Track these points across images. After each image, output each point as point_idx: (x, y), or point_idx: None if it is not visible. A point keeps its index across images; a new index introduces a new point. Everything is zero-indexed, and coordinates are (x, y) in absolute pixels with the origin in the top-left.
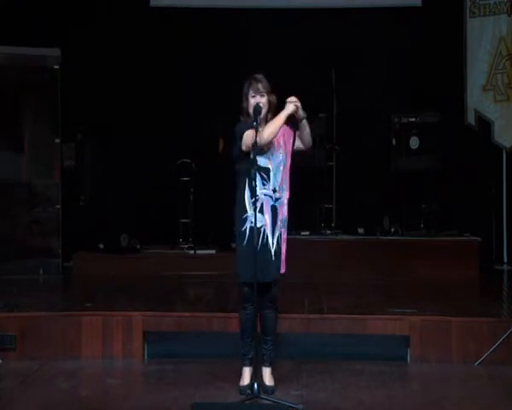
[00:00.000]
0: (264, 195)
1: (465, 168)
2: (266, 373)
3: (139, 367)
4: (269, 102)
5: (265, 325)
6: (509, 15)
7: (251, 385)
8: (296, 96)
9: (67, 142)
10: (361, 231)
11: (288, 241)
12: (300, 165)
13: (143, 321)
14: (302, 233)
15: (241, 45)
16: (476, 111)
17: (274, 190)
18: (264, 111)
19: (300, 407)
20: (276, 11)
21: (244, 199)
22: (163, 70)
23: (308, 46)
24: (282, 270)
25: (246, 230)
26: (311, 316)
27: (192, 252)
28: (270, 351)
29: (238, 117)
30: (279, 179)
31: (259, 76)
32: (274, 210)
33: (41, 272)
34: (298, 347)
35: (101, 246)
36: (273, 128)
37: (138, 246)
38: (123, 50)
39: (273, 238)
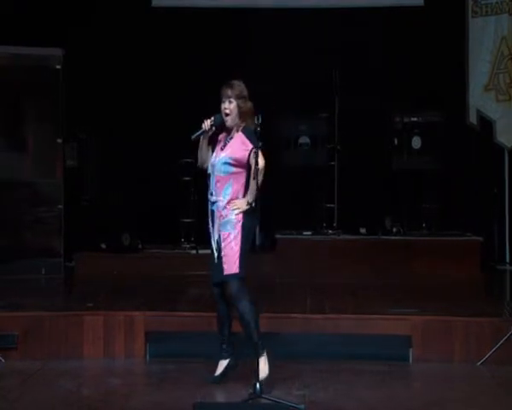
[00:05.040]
0: (208, 200)
1: (467, 168)
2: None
3: (141, 367)
4: (239, 107)
5: (243, 325)
6: (511, 15)
7: (253, 385)
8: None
9: (70, 142)
10: (363, 231)
11: (290, 241)
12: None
13: (145, 321)
14: (304, 233)
15: (243, 45)
16: (478, 111)
17: (211, 194)
18: (229, 118)
19: (302, 406)
20: (279, 11)
21: None
22: (165, 70)
23: (310, 46)
24: (232, 270)
25: None
26: (313, 316)
27: (194, 252)
28: (255, 344)
29: None
30: (214, 183)
31: (234, 81)
32: (212, 213)
33: (43, 271)
34: (300, 347)
35: (103, 246)
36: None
37: (140, 246)
38: (125, 50)
39: (214, 241)
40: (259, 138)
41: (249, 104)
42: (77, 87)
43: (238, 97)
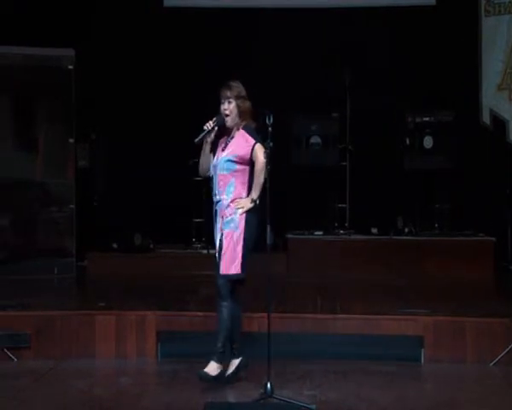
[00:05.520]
0: (212, 201)
1: (480, 168)
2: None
3: (152, 367)
4: (238, 107)
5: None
6: None
7: (264, 385)
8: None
9: (81, 142)
10: (374, 231)
11: (302, 241)
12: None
13: (157, 321)
14: (315, 233)
15: (254, 45)
16: (491, 110)
17: (215, 195)
18: (229, 118)
19: (313, 407)
20: (290, 11)
21: None
22: (177, 70)
23: (322, 45)
24: (230, 271)
25: None
26: (325, 316)
27: (205, 251)
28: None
29: None
30: (217, 183)
31: (232, 82)
32: (215, 214)
33: (55, 271)
34: (311, 347)
35: (115, 246)
36: (200, 161)
37: (151, 245)
38: (137, 51)
39: (216, 240)
40: (271, 139)
41: (248, 103)
42: (89, 87)
43: (237, 98)
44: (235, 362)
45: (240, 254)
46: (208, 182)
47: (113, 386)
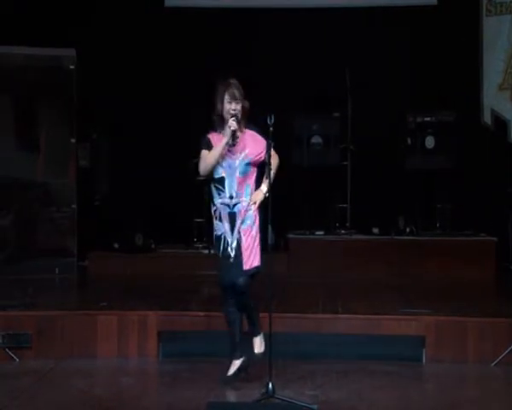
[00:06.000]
0: (221, 204)
1: (481, 168)
2: (255, 341)
3: (154, 366)
4: (243, 108)
5: (246, 312)
6: None
7: (265, 385)
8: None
9: (82, 142)
10: (376, 230)
11: (303, 241)
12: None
13: (158, 320)
14: (317, 233)
15: (255, 45)
16: (492, 110)
17: (231, 197)
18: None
19: (315, 407)
20: (291, 11)
21: (211, 209)
22: (178, 70)
23: (323, 45)
24: (254, 264)
25: (214, 237)
26: (326, 316)
27: (207, 251)
28: (255, 325)
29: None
30: (235, 186)
31: (235, 81)
32: (232, 216)
33: (56, 271)
34: (312, 347)
35: (116, 246)
36: (207, 161)
37: (153, 245)
38: (138, 51)
39: (232, 243)
40: (272, 138)
41: (247, 103)
42: (90, 87)
43: (243, 98)
44: (236, 363)
45: (259, 247)
46: (208, 182)
47: (114, 386)
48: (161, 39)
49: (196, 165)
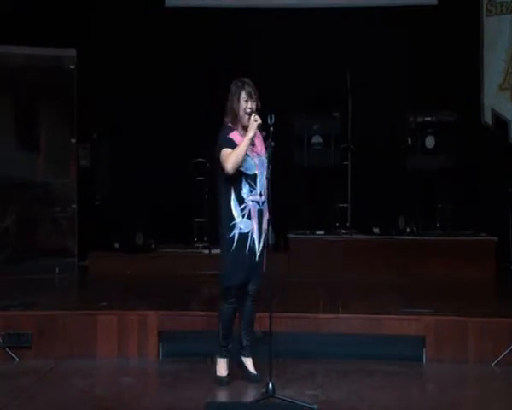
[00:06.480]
0: (252, 201)
1: (481, 168)
2: (249, 363)
3: (154, 366)
4: (256, 106)
5: (250, 318)
6: None
7: (266, 384)
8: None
9: (83, 142)
10: (376, 230)
11: (303, 241)
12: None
13: (158, 320)
14: (317, 233)
15: (255, 45)
16: (493, 110)
17: (260, 194)
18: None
19: (315, 406)
20: (291, 11)
21: (231, 206)
22: (178, 70)
23: (323, 45)
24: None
25: (234, 236)
26: (327, 316)
27: (207, 251)
28: (251, 342)
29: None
30: (263, 183)
31: (249, 80)
32: (260, 214)
33: (57, 271)
34: (313, 347)
35: (117, 245)
36: (237, 157)
37: (153, 245)
38: (138, 51)
39: (259, 241)
40: (272, 138)
41: (259, 104)
42: (90, 87)
43: (257, 96)
44: (222, 361)
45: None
46: (209, 182)
47: (114, 386)
48: (161, 39)
49: (196, 165)
